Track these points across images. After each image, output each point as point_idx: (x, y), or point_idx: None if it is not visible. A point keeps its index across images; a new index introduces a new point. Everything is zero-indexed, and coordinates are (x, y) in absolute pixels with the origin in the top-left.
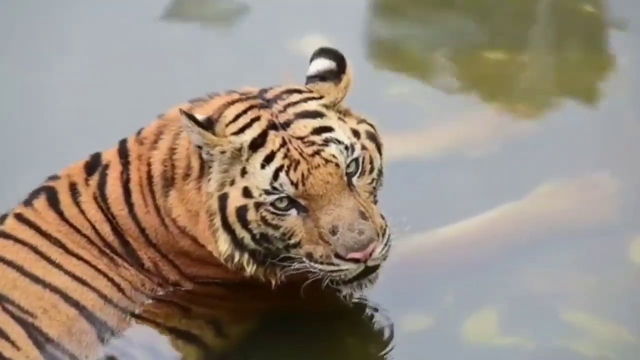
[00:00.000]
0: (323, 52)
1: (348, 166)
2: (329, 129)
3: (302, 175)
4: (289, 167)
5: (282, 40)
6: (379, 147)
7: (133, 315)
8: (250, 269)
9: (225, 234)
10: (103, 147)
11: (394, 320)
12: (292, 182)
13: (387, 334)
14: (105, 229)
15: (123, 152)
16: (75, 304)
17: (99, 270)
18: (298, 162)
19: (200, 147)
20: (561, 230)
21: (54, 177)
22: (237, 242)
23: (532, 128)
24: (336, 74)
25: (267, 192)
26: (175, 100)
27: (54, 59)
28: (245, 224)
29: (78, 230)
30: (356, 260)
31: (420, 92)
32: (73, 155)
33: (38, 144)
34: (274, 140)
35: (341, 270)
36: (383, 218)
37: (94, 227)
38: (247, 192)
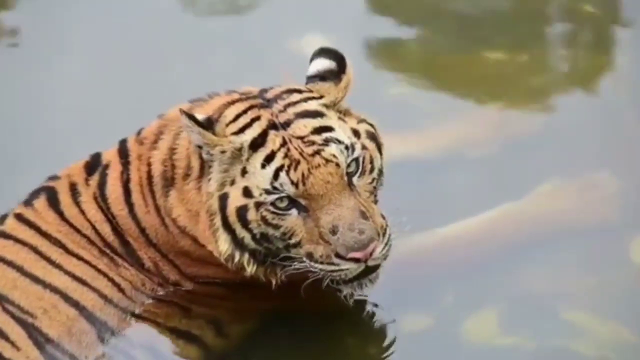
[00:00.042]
0: (323, 52)
1: (348, 166)
2: (329, 129)
3: (303, 175)
4: (289, 166)
5: (282, 40)
6: (379, 147)
7: (133, 315)
8: (250, 269)
9: (226, 233)
10: (103, 147)
11: (394, 320)
12: (292, 182)
13: (387, 333)
14: (106, 229)
15: (123, 152)
16: (75, 304)
17: (99, 271)
18: (298, 162)
19: (200, 147)
20: (561, 230)
21: (54, 177)
22: (237, 242)
23: (532, 128)
24: (336, 74)
25: (267, 192)
26: (175, 100)
27: (54, 59)
28: (245, 223)
29: (78, 231)
30: (356, 260)
31: (420, 92)
32: (73, 155)
33: (38, 144)
34: (274, 140)
35: (341, 270)
36: (383, 218)
37: (94, 227)
38: (247, 192)
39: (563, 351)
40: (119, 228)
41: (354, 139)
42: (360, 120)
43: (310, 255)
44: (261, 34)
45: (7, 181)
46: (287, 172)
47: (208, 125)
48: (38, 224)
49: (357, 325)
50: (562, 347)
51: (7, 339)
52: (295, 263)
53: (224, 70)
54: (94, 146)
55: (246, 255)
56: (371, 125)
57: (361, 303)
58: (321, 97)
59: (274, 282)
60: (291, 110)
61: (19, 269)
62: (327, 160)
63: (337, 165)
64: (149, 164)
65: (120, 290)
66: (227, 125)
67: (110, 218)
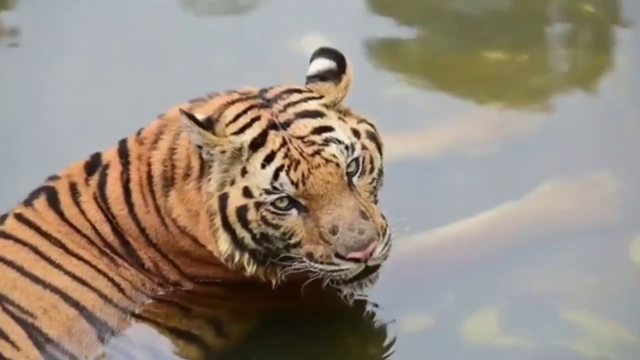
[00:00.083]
0: (323, 52)
1: (348, 166)
2: (329, 129)
3: (303, 175)
4: (289, 166)
5: (282, 40)
6: (379, 147)
7: (133, 315)
8: (250, 269)
9: (226, 233)
10: (103, 147)
11: (394, 320)
12: (292, 182)
13: (387, 333)
14: (106, 229)
15: (123, 152)
16: (75, 304)
17: (99, 271)
18: (298, 162)
19: (200, 147)
20: (561, 230)
21: (54, 177)
22: (237, 242)
23: (532, 128)
24: (336, 74)
25: (267, 192)
26: (175, 100)
27: (54, 59)
28: (245, 223)
29: (78, 231)
30: (357, 260)
31: (420, 92)
32: (73, 155)
33: (38, 144)
34: (274, 140)
35: (341, 270)
36: (383, 218)
37: (94, 227)
38: (247, 192)
39: (563, 351)
40: (119, 228)
41: (354, 139)
42: (360, 120)
43: (310, 255)
44: (261, 34)
45: (7, 181)
46: (287, 172)
47: (208, 125)
48: (38, 224)
49: (357, 325)
50: (562, 347)
51: (7, 339)
52: (295, 263)
53: (224, 70)
54: (94, 146)
55: (246, 255)
56: (371, 125)
57: (361, 303)
58: (321, 97)
59: (274, 282)
60: (291, 110)
61: (19, 269)
62: (327, 160)
63: (337, 165)
64: (149, 164)
65: (120, 290)
66: (227, 125)
67: (110, 218)
